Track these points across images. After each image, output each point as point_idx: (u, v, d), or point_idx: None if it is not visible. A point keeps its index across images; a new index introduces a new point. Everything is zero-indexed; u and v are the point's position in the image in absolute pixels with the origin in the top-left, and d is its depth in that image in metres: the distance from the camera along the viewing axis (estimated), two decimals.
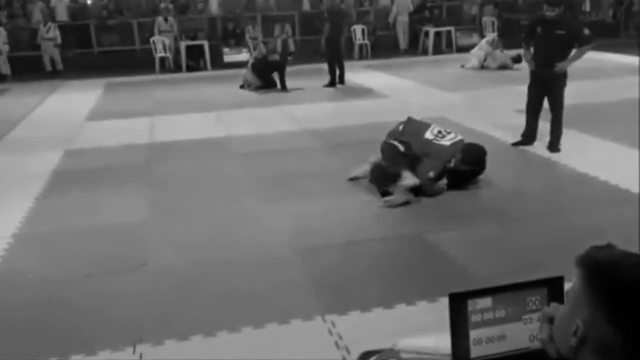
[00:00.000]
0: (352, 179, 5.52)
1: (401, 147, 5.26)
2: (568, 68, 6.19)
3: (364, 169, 5.48)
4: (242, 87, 11.33)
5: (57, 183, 5.94)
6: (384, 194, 5.02)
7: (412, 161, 5.15)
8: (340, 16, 11.14)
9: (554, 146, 6.30)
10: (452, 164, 5.15)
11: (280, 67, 11.10)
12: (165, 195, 5.46)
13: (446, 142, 5.20)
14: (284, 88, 10.96)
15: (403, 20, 16.13)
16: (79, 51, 15.24)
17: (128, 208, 5.12)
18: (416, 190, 5.04)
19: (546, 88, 6.27)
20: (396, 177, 4.97)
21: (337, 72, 11.22)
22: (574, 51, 6.19)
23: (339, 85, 11.18)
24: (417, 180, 4.97)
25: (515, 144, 6.47)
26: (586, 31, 6.26)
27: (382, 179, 5.10)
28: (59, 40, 14.07)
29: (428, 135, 5.27)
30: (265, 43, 14.69)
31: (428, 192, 5.08)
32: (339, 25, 11.01)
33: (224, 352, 3.01)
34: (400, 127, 5.50)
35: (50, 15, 14.89)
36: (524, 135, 6.53)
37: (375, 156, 5.46)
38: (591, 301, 0.98)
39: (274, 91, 10.95)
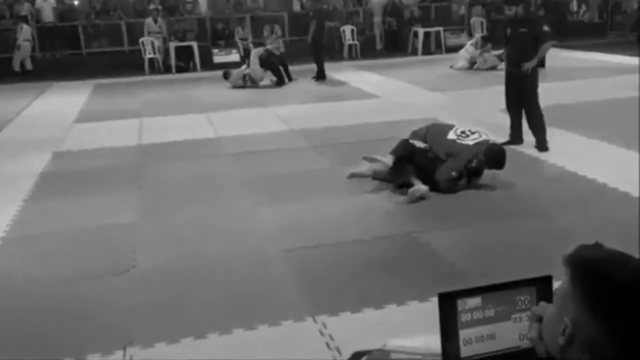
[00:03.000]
0: (352, 176, 5.51)
1: (422, 145, 5.32)
2: (543, 68, 6.34)
3: (367, 167, 5.49)
4: (244, 85, 11.37)
5: (45, 185, 5.90)
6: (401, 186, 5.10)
7: (431, 162, 5.19)
8: (322, 16, 11.65)
9: (541, 145, 6.35)
10: (473, 164, 5.17)
11: (284, 60, 12.16)
12: (155, 197, 5.44)
13: (469, 141, 5.21)
14: (291, 79, 11.98)
15: (377, 21, 16.29)
16: (67, 52, 15.17)
17: (117, 210, 5.10)
18: (434, 187, 5.10)
19: (519, 87, 6.35)
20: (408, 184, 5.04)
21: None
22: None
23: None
24: (426, 189, 4.99)
25: (504, 144, 6.51)
26: (545, 28, 6.38)
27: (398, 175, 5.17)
28: (29, 43, 14.11)
29: (451, 135, 5.30)
30: (256, 44, 14.72)
31: (446, 191, 5.12)
32: (322, 24, 11.56)
33: (215, 354, 3.00)
34: (424, 131, 5.57)
35: (36, 16, 14.88)
36: (511, 135, 6.57)
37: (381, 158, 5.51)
38: (578, 300, 0.99)
39: (265, 90, 10.98)
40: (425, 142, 5.46)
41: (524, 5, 6.29)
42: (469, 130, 5.38)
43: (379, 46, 16.35)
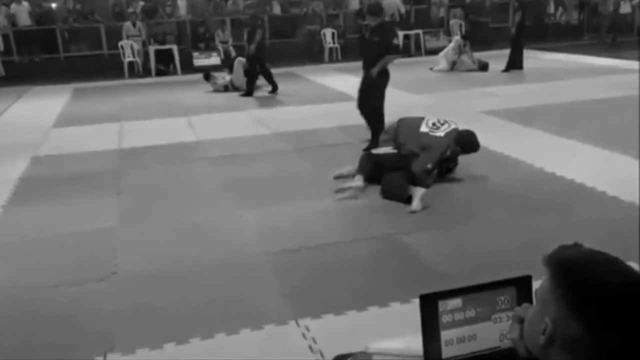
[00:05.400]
0: (337, 177, 5.51)
1: (387, 150, 5.38)
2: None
3: (349, 168, 5.52)
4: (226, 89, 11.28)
5: (23, 191, 5.82)
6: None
7: (405, 159, 5.24)
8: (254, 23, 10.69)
9: (370, 146, 6.49)
10: (448, 154, 5.32)
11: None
12: (135, 202, 5.40)
13: (441, 133, 5.33)
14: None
15: None
16: (45, 56, 15.01)
17: (97, 215, 5.05)
18: (413, 182, 5.12)
19: (367, 92, 6.72)
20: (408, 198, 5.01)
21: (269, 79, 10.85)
22: None
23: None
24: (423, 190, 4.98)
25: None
26: (395, 41, 6.84)
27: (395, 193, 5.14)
28: (1, 48, 14.03)
29: (423, 128, 5.41)
30: (237, 47, 14.68)
31: (424, 183, 5.13)
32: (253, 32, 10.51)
33: (197, 359, 2.98)
34: (395, 127, 5.66)
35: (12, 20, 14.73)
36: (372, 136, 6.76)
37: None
38: (558, 299, 1.00)
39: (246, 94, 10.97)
40: (396, 138, 5.51)
41: (383, 15, 6.90)
42: (439, 122, 5.47)
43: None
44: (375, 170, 5.33)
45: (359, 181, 5.24)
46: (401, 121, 5.70)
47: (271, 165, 6.34)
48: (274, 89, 10.81)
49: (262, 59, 10.68)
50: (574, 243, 1.09)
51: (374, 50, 6.55)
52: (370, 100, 6.67)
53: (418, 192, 4.90)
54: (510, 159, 6.20)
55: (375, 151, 5.47)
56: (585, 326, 0.96)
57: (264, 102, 10.13)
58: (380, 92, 6.65)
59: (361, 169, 5.34)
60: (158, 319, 3.37)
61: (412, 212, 4.81)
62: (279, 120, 8.54)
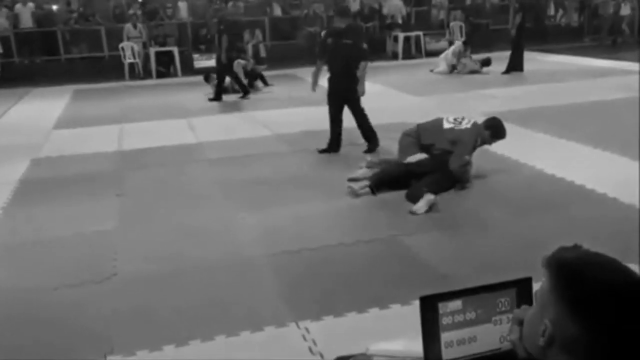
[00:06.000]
0: (351, 180, 5.47)
1: (420, 157, 5.37)
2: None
3: (363, 171, 5.56)
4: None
5: (23, 192, 5.82)
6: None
7: (440, 158, 5.25)
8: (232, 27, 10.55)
9: (371, 149, 6.53)
10: (478, 142, 5.43)
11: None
12: (136, 204, 5.39)
13: (466, 125, 5.41)
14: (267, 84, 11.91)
15: None
16: (45, 58, 15.03)
17: (98, 217, 5.05)
18: (454, 180, 5.23)
19: (343, 98, 6.56)
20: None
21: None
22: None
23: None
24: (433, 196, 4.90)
25: (322, 151, 6.69)
26: (364, 46, 6.60)
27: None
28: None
29: (446, 125, 5.46)
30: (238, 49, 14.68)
31: (464, 177, 5.27)
32: (232, 37, 10.40)
33: None
34: (416, 129, 5.64)
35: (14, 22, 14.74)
36: (329, 143, 6.68)
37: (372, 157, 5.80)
38: (557, 301, 1.00)
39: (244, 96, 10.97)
40: (419, 140, 5.52)
41: (352, 18, 6.69)
42: (459, 117, 5.57)
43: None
44: (404, 178, 5.26)
45: (363, 183, 5.29)
46: (420, 125, 5.69)
47: (271, 167, 6.34)
48: (244, 93, 10.75)
49: (230, 67, 10.47)
50: (574, 245, 1.09)
51: (344, 54, 6.36)
52: (354, 107, 6.59)
53: (427, 197, 4.85)
54: (511, 160, 6.19)
55: (408, 160, 5.41)
56: (584, 328, 0.96)
57: (264, 104, 10.13)
58: (358, 97, 6.58)
59: (374, 176, 5.33)
60: (158, 320, 3.37)
61: (412, 213, 4.79)
62: (279, 122, 8.54)
